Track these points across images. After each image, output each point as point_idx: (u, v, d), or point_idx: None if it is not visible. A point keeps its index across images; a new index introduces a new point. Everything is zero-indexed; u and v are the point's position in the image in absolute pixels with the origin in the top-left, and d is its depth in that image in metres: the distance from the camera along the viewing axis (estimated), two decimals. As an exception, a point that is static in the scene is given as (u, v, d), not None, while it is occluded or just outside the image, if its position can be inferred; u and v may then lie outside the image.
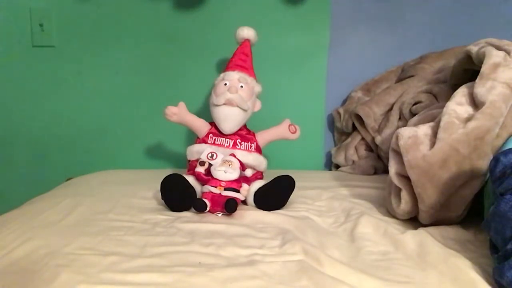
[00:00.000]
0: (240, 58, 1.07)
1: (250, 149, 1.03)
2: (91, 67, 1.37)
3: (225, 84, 1.02)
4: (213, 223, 0.80)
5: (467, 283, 0.59)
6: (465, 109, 0.80)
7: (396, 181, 0.83)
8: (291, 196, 0.92)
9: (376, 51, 1.38)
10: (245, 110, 1.01)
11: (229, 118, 1.01)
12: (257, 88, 1.06)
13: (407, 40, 1.37)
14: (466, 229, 0.78)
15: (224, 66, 1.10)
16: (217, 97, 1.01)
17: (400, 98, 1.23)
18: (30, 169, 1.40)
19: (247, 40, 1.10)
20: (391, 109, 1.25)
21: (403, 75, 1.31)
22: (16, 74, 1.37)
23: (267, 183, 0.91)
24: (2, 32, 1.36)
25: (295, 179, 0.91)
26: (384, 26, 1.37)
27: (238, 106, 1.00)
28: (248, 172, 0.98)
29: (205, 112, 1.13)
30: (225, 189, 0.88)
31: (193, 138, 1.09)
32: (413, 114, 1.12)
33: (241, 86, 1.02)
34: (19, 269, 0.61)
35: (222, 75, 1.05)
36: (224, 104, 1.00)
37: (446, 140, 0.76)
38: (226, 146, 1.01)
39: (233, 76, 1.03)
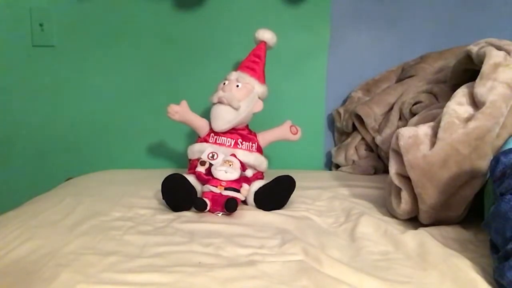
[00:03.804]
0: (249, 59, 1.08)
1: (251, 149, 1.03)
2: (91, 67, 1.37)
3: (224, 84, 1.04)
4: (213, 223, 0.80)
5: (467, 283, 0.59)
6: (466, 109, 0.80)
7: (396, 181, 0.83)
8: (291, 196, 0.92)
9: (376, 51, 1.38)
10: (235, 109, 1.01)
11: (219, 116, 1.01)
12: (259, 89, 1.06)
13: (407, 40, 1.37)
14: (466, 229, 0.78)
15: (224, 65, 1.10)
16: (213, 95, 1.03)
17: (400, 98, 1.23)
18: (30, 169, 1.40)
19: (263, 42, 1.10)
20: (391, 109, 1.25)
21: (403, 75, 1.31)
22: (16, 74, 1.37)
23: (268, 183, 0.92)
24: (2, 32, 1.36)
25: (295, 179, 0.91)
26: (384, 26, 1.37)
27: (228, 105, 1.00)
28: (249, 172, 0.98)
29: (206, 111, 1.13)
30: (226, 188, 0.88)
31: (194, 137, 1.09)
32: (413, 114, 1.12)
33: (237, 86, 1.02)
34: (19, 269, 0.61)
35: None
36: (218, 102, 1.01)
37: (446, 140, 0.76)
38: (227, 145, 1.01)
39: (233, 75, 1.04)
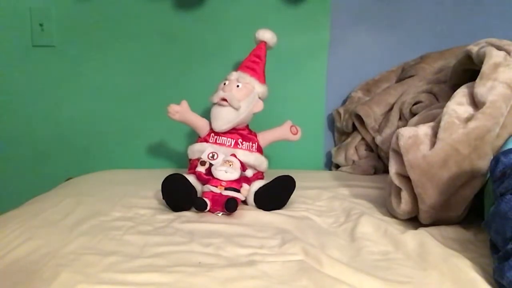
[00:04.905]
0: (249, 59, 1.08)
1: (251, 149, 1.03)
2: (91, 67, 1.37)
3: (225, 84, 1.04)
4: (213, 223, 0.80)
5: (467, 283, 0.59)
6: (466, 109, 0.80)
7: (396, 181, 0.83)
8: (291, 196, 0.92)
9: (376, 51, 1.38)
10: (235, 109, 1.01)
11: (219, 116, 1.01)
12: (259, 89, 1.06)
13: (407, 40, 1.37)
14: (466, 229, 0.78)
15: (224, 65, 1.10)
16: (213, 95, 1.03)
17: (400, 98, 1.23)
18: (30, 169, 1.40)
19: (263, 42, 1.10)
20: (391, 109, 1.25)
21: (403, 75, 1.31)
22: (16, 74, 1.37)
23: (268, 183, 0.92)
24: (2, 32, 1.36)
25: (295, 179, 0.91)
26: (384, 26, 1.37)
27: (229, 105, 1.00)
28: (249, 173, 0.98)
29: (206, 111, 1.13)
30: (226, 188, 0.88)
31: (194, 137, 1.09)
32: (413, 114, 1.12)
33: (238, 86, 1.02)
34: (19, 269, 0.61)
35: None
36: (218, 102, 1.01)
37: (446, 140, 0.76)
38: (228, 145, 1.01)
39: (233, 76, 1.05)
